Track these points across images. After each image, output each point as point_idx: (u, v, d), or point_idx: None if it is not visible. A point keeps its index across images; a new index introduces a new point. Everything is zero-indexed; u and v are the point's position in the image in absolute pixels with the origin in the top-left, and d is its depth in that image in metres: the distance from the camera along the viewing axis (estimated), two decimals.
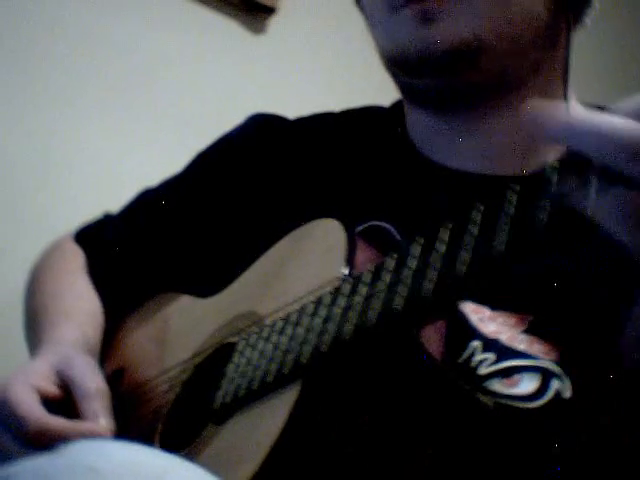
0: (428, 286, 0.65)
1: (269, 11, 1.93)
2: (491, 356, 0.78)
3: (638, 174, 0.51)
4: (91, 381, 0.87)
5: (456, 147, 0.92)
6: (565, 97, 0.92)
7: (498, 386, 0.77)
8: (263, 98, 1.86)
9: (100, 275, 1.10)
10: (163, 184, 1.12)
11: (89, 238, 1.13)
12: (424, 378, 0.73)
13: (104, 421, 0.84)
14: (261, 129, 1.07)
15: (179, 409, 0.91)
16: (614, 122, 0.51)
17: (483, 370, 0.77)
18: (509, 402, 0.76)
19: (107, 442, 0.66)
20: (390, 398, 0.73)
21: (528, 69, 0.89)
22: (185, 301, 1.02)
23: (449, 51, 0.85)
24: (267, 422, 0.74)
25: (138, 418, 0.96)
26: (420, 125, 0.96)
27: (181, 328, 0.99)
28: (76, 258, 1.11)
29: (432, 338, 0.74)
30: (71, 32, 1.76)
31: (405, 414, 0.73)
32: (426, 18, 0.85)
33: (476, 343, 0.78)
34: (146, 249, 1.08)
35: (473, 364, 0.78)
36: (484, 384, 0.77)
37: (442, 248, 0.65)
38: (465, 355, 0.78)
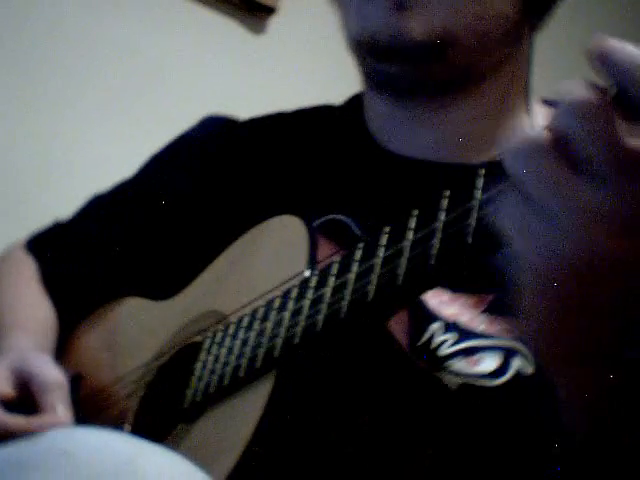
0: (399, 275, 0.65)
1: (269, 11, 1.93)
2: (452, 336, 0.79)
3: None
4: (48, 373, 0.86)
5: (416, 137, 0.93)
6: (527, 94, 0.93)
7: (460, 365, 0.77)
8: (263, 98, 1.86)
9: (51, 283, 1.08)
10: (114, 189, 1.11)
11: (39, 246, 1.12)
12: (393, 366, 0.74)
13: (62, 412, 0.83)
14: (215, 130, 1.07)
15: (146, 411, 0.91)
16: None
17: (444, 351, 0.78)
18: (471, 381, 0.77)
19: (80, 428, 0.66)
20: (362, 387, 0.74)
21: (492, 64, 0.91)
22: (140, 304, 1.01)
23: (419, 41, 0.86)
24: (242, 416, 0.74)
25: (101, 423, 0.95)
26: (380, 114, 0.96)
27: (138, 331, 0.99)
28: (27, 267, 1.10)
29: (397, 326, 0.74)
30: (71, 33, 1.76)
31: (377, 402, 0.74)
32: (401, 6, 0.86)
33: (436, 325, 0.79)
34: (97, 255, 1.07)
35: (433, 345, 0.78)
36: (445, 364, 0.77)
37: (411, 236, 0.65)
38: (425, 338, 0.79)
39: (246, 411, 0.74)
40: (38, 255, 1.11)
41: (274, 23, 1.95)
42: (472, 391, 0.76)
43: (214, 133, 1.07)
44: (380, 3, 0.87)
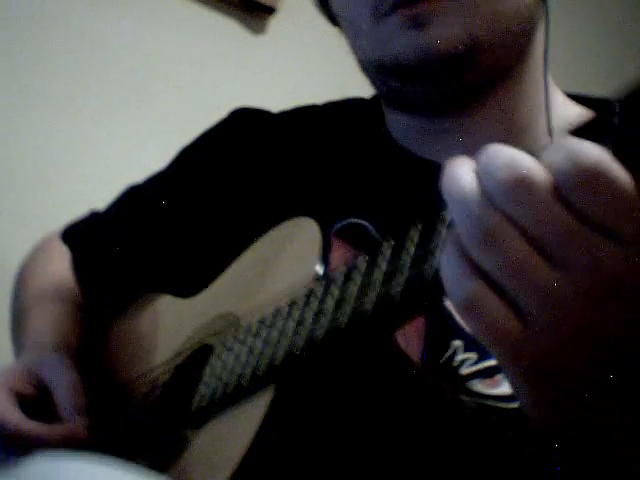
0: (396, 288, 0.62)
1: (269, 11, 1.93)
2: (473, 356, 0.76)
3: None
4: (65, 382, 0.88)
5: (440, 144, 0.90)
6: (545, 80, 0.89)
7: (480, 386, 0.75)
8: (263, 98, 1.86)
9: (86, 276, 1.09)
10: (148, 182, 1.11)
11: (75, 237, 1.13)
12: (400, 379, 0.71)
13: (79, 421, 0.86)
14: (243, 124, 1.06)
15: (158, 412, 0.91)
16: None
17: (465, 370, 0.75)
18: (490, 402, 0.74)
19: (63, 460, 0.65)
20: (365, 402, 0.72)
21: (516, 58, 0.88)
22: (168, 302, 1.01)
23: (447, 55, 0.82)
24: (241, 426, 0.73)
25: (121, 422, 0.96)
26: (401, 125, 0.94)
27: (164, 329, 0.98)
28: (62, 258, 1.11)
29: (410, 337, 0.72)
30: (71, 31, 1.76)
31: (380, 417, 0.72)
32: (418, 22, 0.82)
33: (458, 342, 0.76)
34: (132, 249, 1.07)
35: (455, 364, 0.76)
36: (466, 384, 0.75)
37: (411, 249, 0.62)
38: (447, 355, 0.76)
39: (245, 422, 0.73)
40: (73, 247, 1.12)
41: (274, 23, 1.95)
42: (491, 412, 0.74)
43: (242, 128, 1.05)
44: (395, 23, 0.83)
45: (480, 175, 0.50)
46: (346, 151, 0.97)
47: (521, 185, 0.48)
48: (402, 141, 0.94)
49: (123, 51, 1.80)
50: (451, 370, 0.76)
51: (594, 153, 0.48)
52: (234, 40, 1.91)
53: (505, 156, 0.49)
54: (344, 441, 0.72)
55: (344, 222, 0.80)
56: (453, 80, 0.85)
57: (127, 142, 1.80)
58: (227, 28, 1.90)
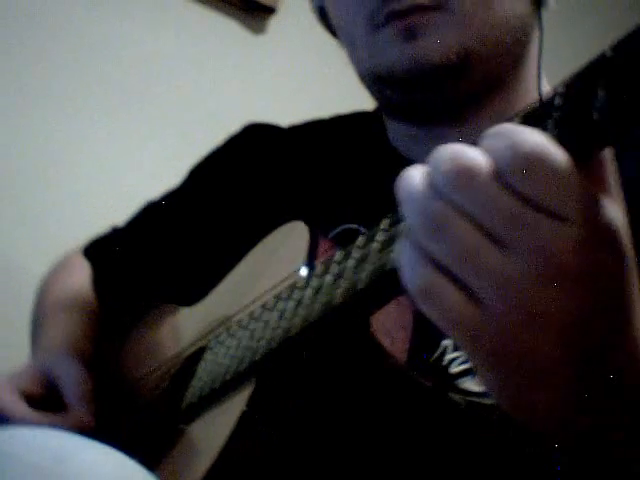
0: (363, 278, 0.63)
1: (269, 11, 1.93)
2: (462, 354, 0.76)
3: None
4: (73, 377, 0.91)
5: None
6: (539, 87, 0.89)
7: (469, 384, 0.75)
8: (263, 98, 1.87)
9: (105, 290, 1.13)
10: (165, 198, 1.14)
11: (96, 252, 1.17)
12: (380, 377, 0.72)
13: (85, 412, 0.89)
14: (254, 139, 1.08)
15: (155, 410, 0.93)
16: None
17: (454, 369, 0.76)
18: (480, 400, 0.74)
19: (19, 428, 0.67)
20: (345, 399, 0.72)
21: (510, 66, 0.88)
22: (174, 311, 1.04)
23: (438, 65, 0.83)
24: (221, 421, 0.74)
25: (124, 416, 0.99)
26: (400, 134, 0.95)
27: (167, 336, 1.02)
28: (82, 272, 1.15)
29: (396, 336, 0.72)
30: (71, 31, 1.77)
31: (361, 415, 0.72)
32: (410, 34, 0.83)
33: (447, 342, 0.77)
34: (147, 263, 1.11)
35: (444, 363, 0.76)
36: (455, 383, 0.75)
37: (381, 238, 0.63)
38: (437, 354, 0.76)
39: (225, 417, 0.74)
40: (94, 262, 1.16)
41: (274, 23, 1.95)
42: (480, 409, 0.74)
43: (253, 143, 1.07)
44: (389, 35, 0.84)
45: (429, 172, 0.52)
46: (349, 161, 0.99)
47: (463, 173, 0.50)
48: (401, 149, 0.95)
49: (123, 51, 1.80)
50: (441, 369, 0.76)
51: (529, 137, 0.49)
52: (234, 40, 1.91)
53: (448, 149, 0.51)
54: (317, 438, 0.73)
55: (340, 228, 0.81)
56: (446, 90, 0.86)
57: (127, 142, 1.80)
58: (227, 28, 1.91)
